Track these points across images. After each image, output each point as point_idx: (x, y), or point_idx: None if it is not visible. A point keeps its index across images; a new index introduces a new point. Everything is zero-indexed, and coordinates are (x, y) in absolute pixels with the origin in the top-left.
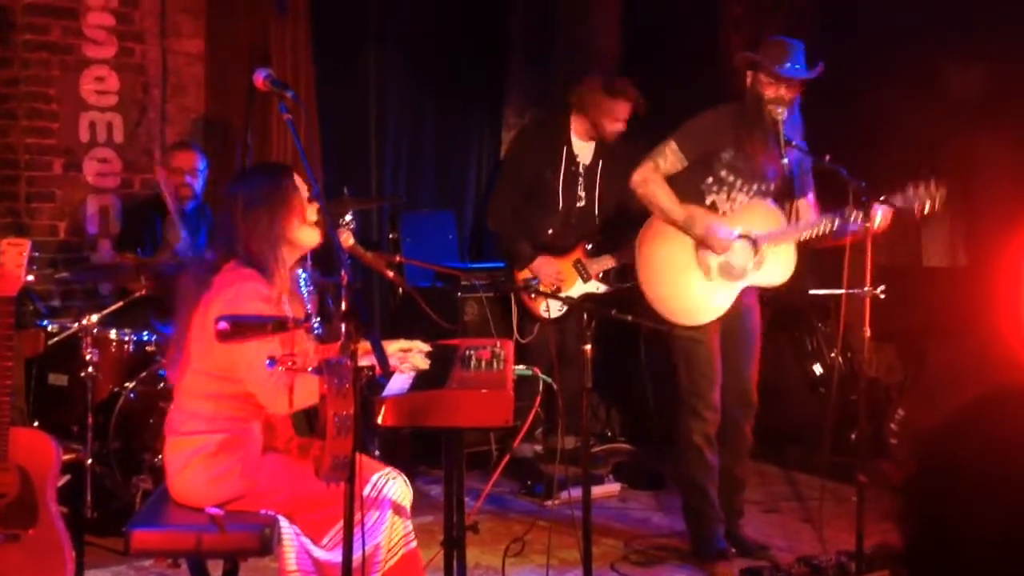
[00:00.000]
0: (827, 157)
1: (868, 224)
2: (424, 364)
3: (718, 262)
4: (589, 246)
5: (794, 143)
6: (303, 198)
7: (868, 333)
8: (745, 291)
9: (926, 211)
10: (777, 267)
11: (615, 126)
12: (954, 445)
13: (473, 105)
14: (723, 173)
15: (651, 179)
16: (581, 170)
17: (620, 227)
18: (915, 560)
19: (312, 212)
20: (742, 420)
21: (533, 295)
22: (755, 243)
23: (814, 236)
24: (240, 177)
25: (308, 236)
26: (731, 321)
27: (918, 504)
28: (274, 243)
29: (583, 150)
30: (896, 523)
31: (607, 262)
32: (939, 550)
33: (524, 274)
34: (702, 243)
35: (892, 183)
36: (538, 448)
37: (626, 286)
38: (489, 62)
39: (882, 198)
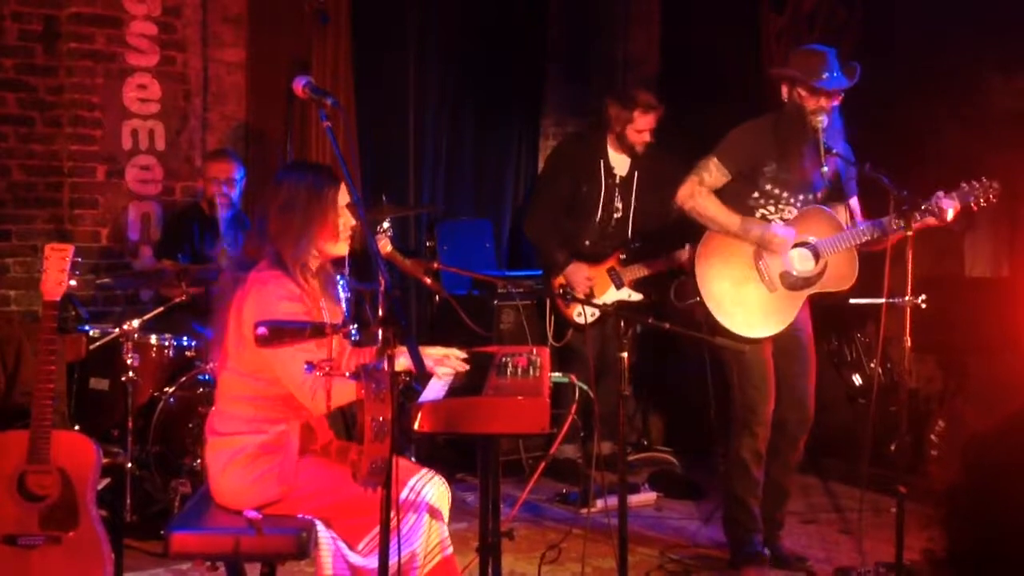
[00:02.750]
0: (867, 165)
1: (910, 233)
2: (462, 367)
3: (780, 272)
4: (623, 255)
5: (835, 151)
6: (340, 212)
7: (909, 343)
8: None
9: (982, 205)
10: (840, 273)
11: (638, 137)
12: (1001, 451)
13: (511, 115)
14: (768, 187)
15: (697, 193)
16: (617, 182)
17: (653, 238)
18: (959, 565)
19: (346, 228)
20: (798, 434)
21: (568, 300)
22: (815, 250)
23: (871, 239)
24: (289, 170)
25: (335, 249)
26: (786, 333)
27: (964, 509)
28: (300, 248)
29: (619, 163)
30: (940, 528)
31: (640, 271)
32: (983, 554)
33: (559, 281)
34: (761, 246)
35: (934, 194)
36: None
37: (689, 303)
38: (528, 72)
39: (941, 192)
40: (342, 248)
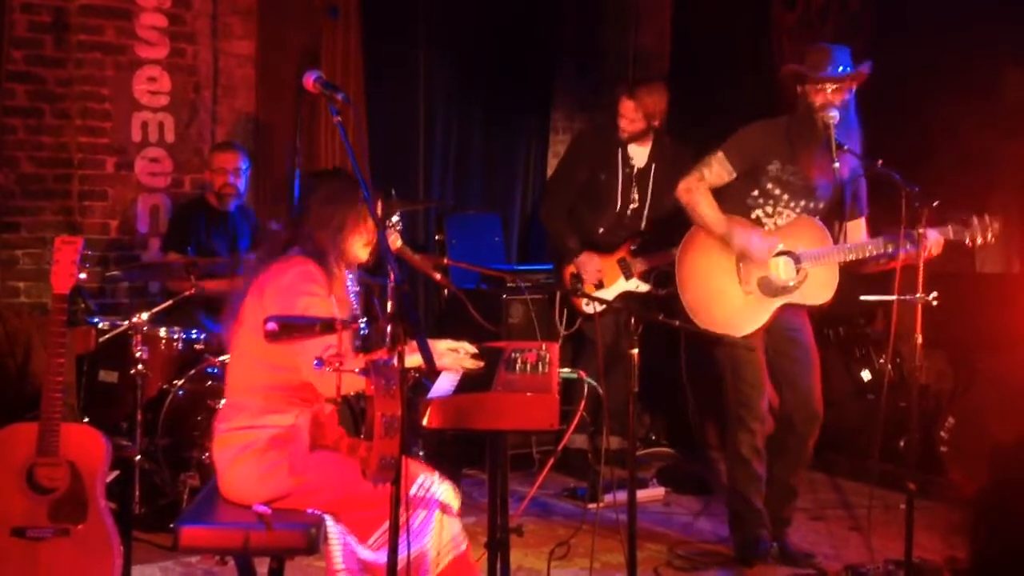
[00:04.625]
0: (879, 162)
1: (917, 251)
2: (472, 364)
3: (758, 277)
4: (634, 246)
5: (847, 147)
6: (371, 222)
7: (920, 340)
8: (793, 309)
9: (978, 244)
10: (818, 286)
11: (621, 123)
12: None
13: (521, 109)
14: (769, 187)
15: (695, 188)
16: (635, 172)
17: (665, 230)
18: (983, 572)
19: (371, 238)
20: (807, 434)
21: (576, 295)
22: (797, 261)
23: (857, 258)
24: (329, 175)
25: (360, 253)
26: (782, 334)
27: (989, 518)
28: (334, 241)
29: (637, 153)
30: (964, 536)
31: (650, 262)
32: (1009, 562)
33: (570, 269)
34: (740, 255)
35: (947, 189)
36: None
37: (663, 292)
38: (538, 66)
39: (934, 230)
40: (365, 254)
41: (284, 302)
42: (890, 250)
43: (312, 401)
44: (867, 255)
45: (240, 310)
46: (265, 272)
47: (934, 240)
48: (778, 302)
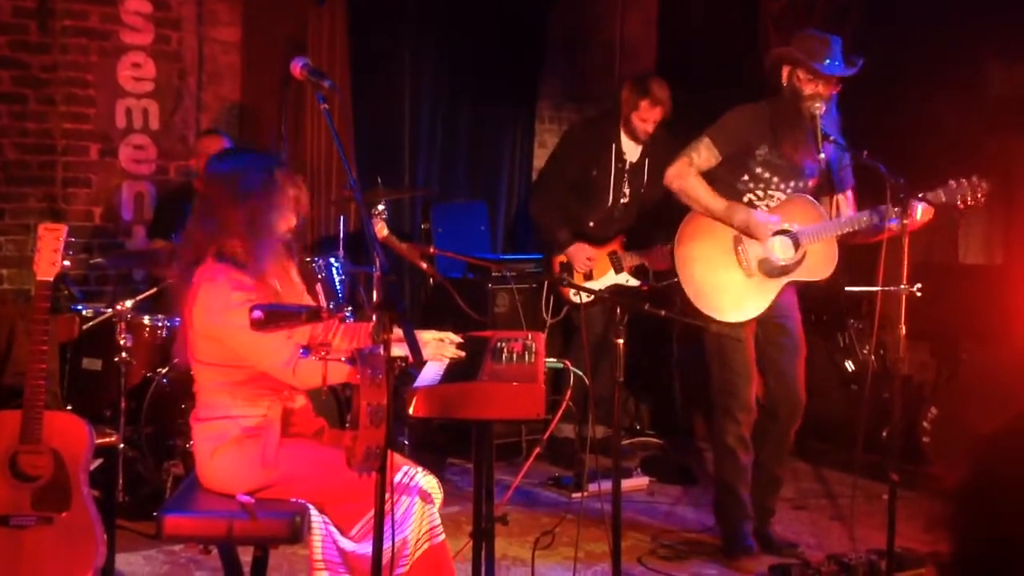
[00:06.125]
0: (864, 153)
1: (906, 220)
2: (457, 353)
3: (758, 259)
4: (626, 240)
5: (832, 138)
6: (290, 192)
7: (903, 331)
8: (785, 290)
9: (969, 204)
10: (819, 262)
11: (642, 125)
12: (1008, 452)
13: (507, 97)
14: (758, 170)
15: (686, 173)
16: (627, 167)
17: (656, 225)
18: (964, 566)
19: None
20: (788, 421)
21: (564, 285)
22: (795, 238)
23: (852, 231)
24: (231, 159)
25: (288, 225)
26: (772, 322)
27: (970, 510)
28: (269, 236)
29: (630, 148)
30: (945, 529)
31: (641, 258)
32: (990, 556)
33: (560, 259)
34: (743, 231)
35: (932, 180)
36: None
37: (665, 284)
38: (525, 55)
39: (921, 195)
40: (292, 221)
41: (215, 321)
42: (881, 220)
43: (281, 389)
44: (862, 226)
45: (185, 322)
46: (190, 288)
47: (924, 207)
48: (782, 282)
